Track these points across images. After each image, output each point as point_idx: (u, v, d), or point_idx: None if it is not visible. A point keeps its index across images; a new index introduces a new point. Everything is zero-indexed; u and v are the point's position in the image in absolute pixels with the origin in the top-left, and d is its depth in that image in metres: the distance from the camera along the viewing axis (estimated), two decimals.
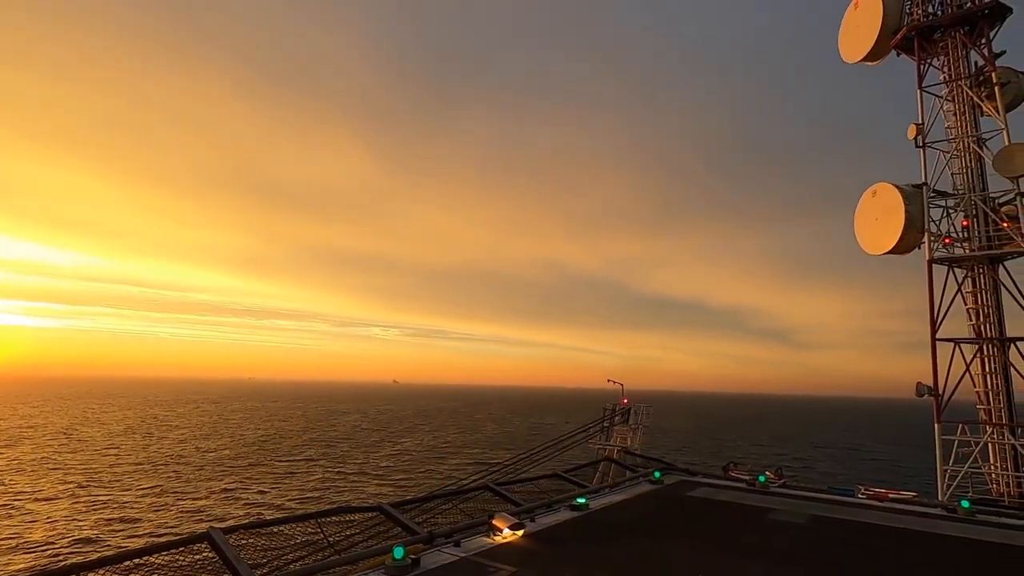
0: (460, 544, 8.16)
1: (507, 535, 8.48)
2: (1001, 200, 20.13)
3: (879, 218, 21.67)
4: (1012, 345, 20.05)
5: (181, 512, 36.65)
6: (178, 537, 7.10)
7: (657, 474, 13.77)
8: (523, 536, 8.64)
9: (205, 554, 6.81)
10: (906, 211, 20.83)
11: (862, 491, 13.12)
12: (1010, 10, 19.86)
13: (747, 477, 14.11)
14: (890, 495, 12.47)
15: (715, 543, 8.74)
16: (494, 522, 8.60)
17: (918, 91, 21.60)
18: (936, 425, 20.50)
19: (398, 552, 6.94)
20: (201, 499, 40.57)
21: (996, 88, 19.93)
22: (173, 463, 55.76)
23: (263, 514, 36.44)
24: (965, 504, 11.19)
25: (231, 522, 21.65)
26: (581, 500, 10.65)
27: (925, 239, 20.99)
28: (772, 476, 14.07)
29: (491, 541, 8.37)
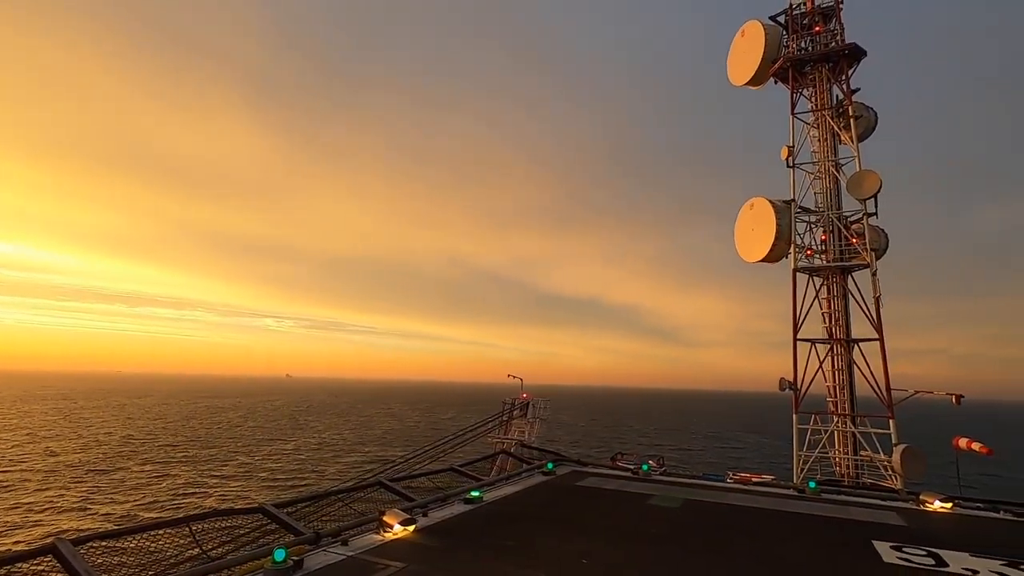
0: (348, 543, 7.92)
1: (398, 531, 8.36)
2: (852, 219, 22.98)
3: (755, 229, 23.90)
4: (856, 345, 23.00)
5: (20, 525, 32.28)
6: (15, 552, 6.19)
7: (550, 465, 14.25)
8: (415, 531, 8.57)
9: (49, 569, 6.02)
10: (777, 224, 23.14)
11: (730, 476, 14.46)
12: (864, 53, 22.70)
13: (632, 466, 15.02)
14: (753, 479, 13.88)
15: (599, 529, 9.22)
16: (385, 519, 8.44)
17: (791, 117, 24.05)
18: (794, 415, 23.04)
19: (279, 554, 6.59)
20: (47, 510, 35.96)
21: (852, 120, 22.70)
22: (13, 469, 48.91)
23: (122, 523, 33.05)
24: (812, 485, 12.71)
25: (82, 531, 19.37)
26: (475, 493, 10.76)
27: (791, 250, 23.44)
28: (654, 465, 15.10)
29: (381, 538, 8.21)
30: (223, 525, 8.24)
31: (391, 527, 8.34)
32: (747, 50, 25.21)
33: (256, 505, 8.70)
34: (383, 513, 8.59)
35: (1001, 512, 11.31)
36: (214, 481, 46.07)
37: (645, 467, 14.34)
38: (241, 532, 8.95)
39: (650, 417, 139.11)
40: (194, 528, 7.67)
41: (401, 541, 8.15)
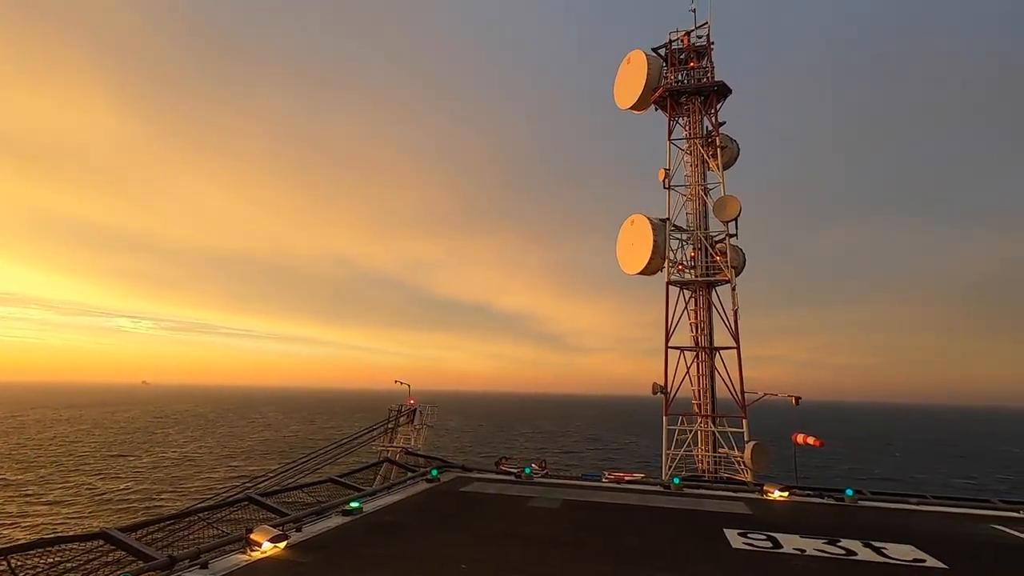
0: (208, 566, 7.28)
1: (267, 549, 7.84)
2: (717, 238, 25.44)
3: (634, 244, 25.60)
4: (717, 353, 25.42)
5: None
6: None
7: (435, 472, 14.16)
8: (287, 548, 8.09)
9: None
10: (654, 240, 24.96)
11: (606, 476, 15.33)
12: (730, 91, 25.34)
13: (515, 470, 15.38)
14: (626, 478, 14.84)
15: (480, 532, 9.34)
16: (252, 536, 7.87)
17: (668, 142, 26.15)
18: (664, 417, 24.91)
19: None
20: None
21: (718, 149, 25.18)
22: None
23: None
24: (676, 480, 13.87)
25: None
26: (355, 504, 10.39)
27: (666, 265, 25.40)
28: (537, 468, 15.59)
29: (248, 558, 7.65)
30: (54, 558, 7.18)
31: (259, 545, 7.80)
32: (631, 77, 27.05)
33: (97, 530, 7.71)
34: (251, 530, 8.01)
35: (825, 497, 13.13)
36: (40, 508, 39.78)
37: (528, 470, 14.75)
38: (79, 563, 7.87)
39: (537, 421, 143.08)
40: (13, 562, 6.61)
41: (270, 560, 7.65)
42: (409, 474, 14.63)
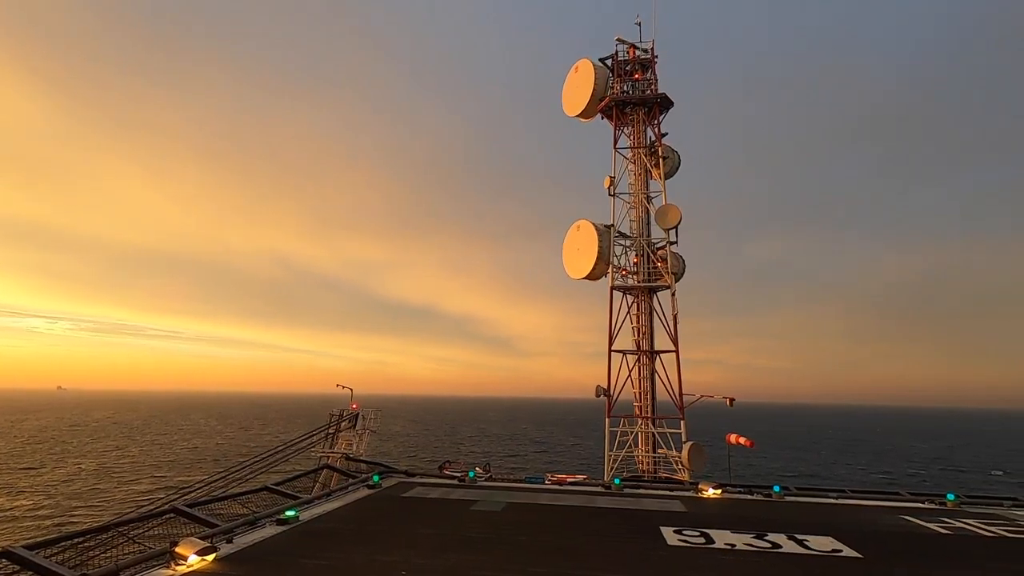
0: None
1: (194, 563, 7.44)
2: (658, 245, 26.28)
3: (580, 249, 26.07)
4: (658, 356, 26.22)
5: None
6: None
7: (376, 478, 13.89)
8: (215, 561, 7.71)
9: None
10: (599, 246, 25.49)
11: (549, 478, 15.49)
12: (672, 104, 26.29)
13: (459, 474, 15.30)
14: (568, 479, 15.05)
15: (420, 538, 9.22)
16: (177, 550, 7.45)
17: (613, 150, 26.81)
18: (607, 419, 25.44)
19: None
20: None
21: (660, 159, 26.05)
22: None
23: None
24: (617, 481, 14.20)
25: None
26: (290, 513, 10.03)
27: (610, 270, 25.99)
28: (481, 471, 15.57)
29: (172, 572, 7.24)
30: None
31: (185, 559, 7.40)
32: (579, 85, 27.59)
33: None
34: (176, 544, 7.58)
35: (755, 494, 13.79)
36: None
37: (471, 474, 14.70)
38: None
39: (483, 425, 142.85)
40: None
41: (197, 574, 7.27)
42: (350, 481, 14.27)
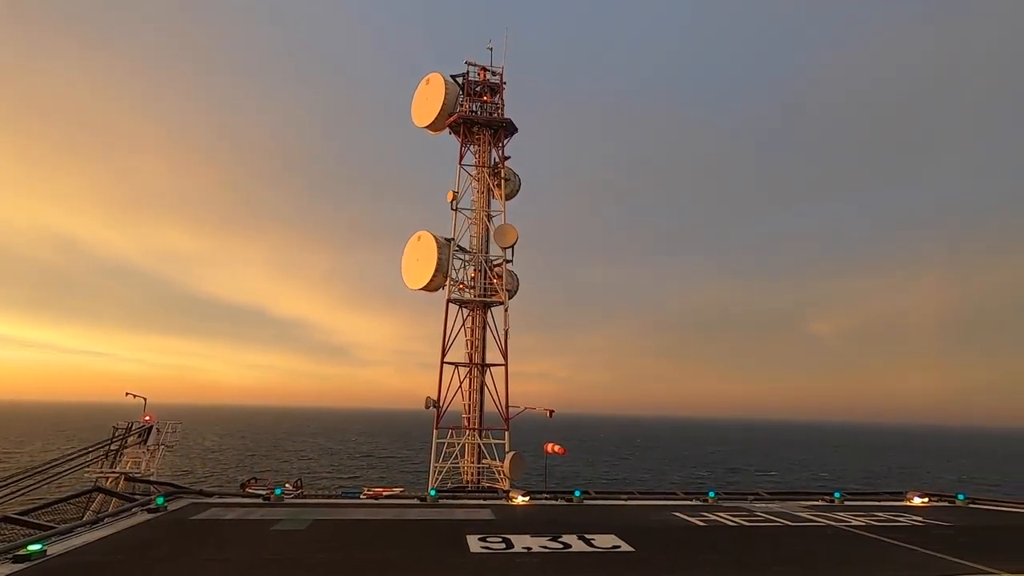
0: None
1: None
2: (495, 262, 27.35)
3: (419, 259, 26.09)
4: (488, 369, 27.13)
5: None
6: None
7: (160, 500, 12.26)
8: None
9: None
10: (438, 258, 25.74)
11: (365, 491, 15.09)
12: (517, 129, 27.77)
13: (264, 491, 14.19)
14: (384, 493, 14.81)
15: (205, 565, 8.37)
16: None
17: (458, 166, 27.41)
18: (435, 431, 25.57)
19: None
20: None
21: (502, 180, 27.27)
22: None
23: None
24: (432, 493, 14.35)
25: None
26: (34, 547, 8.38)
27: (447, 283, 26.36)
28: (290, 487, 14.62)
29: None
30: None
31: None
32: (429, 98, 27.82)
33: None
34: None
35: (559, 499, 14.94)
36: None
37: (279, 491, 13.73)
38: None
39: (309, 438, 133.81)
40: None
41: None
42: (129, 505, 12.40)
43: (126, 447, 22.16)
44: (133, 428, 22.62)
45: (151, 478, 19.46)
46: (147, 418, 23.59)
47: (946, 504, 15.74)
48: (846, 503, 15.37)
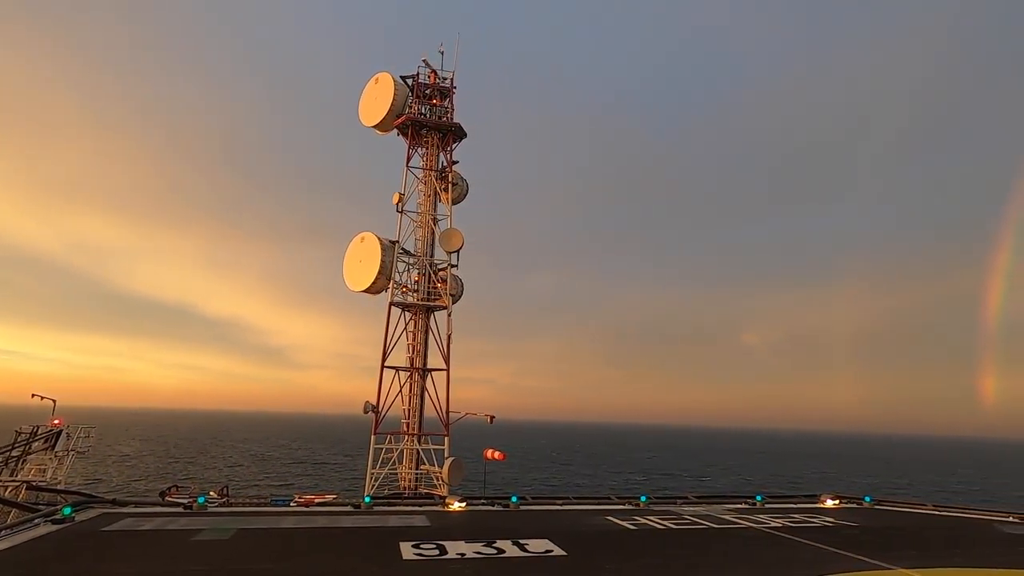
0: None
1: None
2: (440, 266, 27.18)
3: (362, 261, 25.58)
4: (429, 374, 26.87)
5: None
6: None
7: (67, 510, 11.38)
8: None
9: None
10: (382, 260, 25.31)
11: (296, 499, 14.59)
12: (466, 135, 27.77)
13: (186, 500, 13.47)
14: (316, 500, 14.37)
15: None
16: None
17: (405, 168, 27.11)
18: (373, 436, 25.04)
19: None
20: None
21: (450, 185, 27.18)
22: None
23: None
24: (367, 499, 14.05)
25: None
26: None
27: (391, 285, 25.96)
28: (215, 495, 13.93)
29: None
30: None
31: None
32: (377, 97, 27.40)
33: None
34: None
35: (495, 505, 14.98)
36: None
37: (202, 499, 13.06)
38: None
39: (243, 443, 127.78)
40: None
41: None
42: (30, 516, 11.45)
43: (30, 453, 20.49)
44: (39, 432, 20.94)
45: (58, 486, 18.05)
46: (56, 422, 21.90)
47: (854, 506, 16.94)
48: (766, 506, 16.26)
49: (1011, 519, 14.75)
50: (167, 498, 13.71)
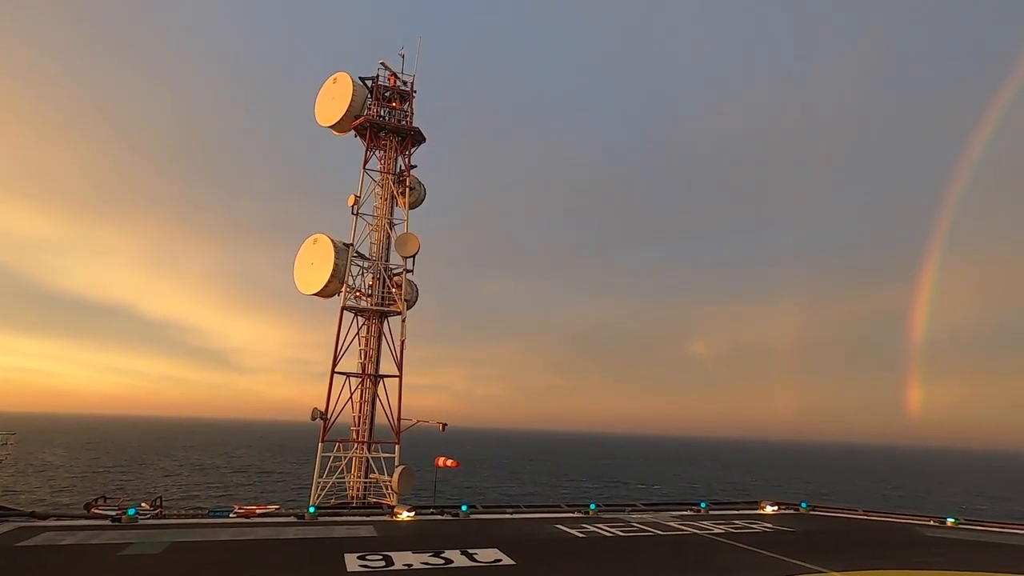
0: None
1: None
2: (395, 271, 26.80)
3: (314, 263, 24.94)
4: (382, 380, 26.37)
5: None
6: None
7: None
8: None
9: None
10: (335, 263, 24.74)
11: (236, 510, 13.96)
12: (424, 139, 27.59)
13: (114, 512, 12.67)
14: (258, 511, 13.80)
15: None
16: None
17: (362, 170, 26.66)
18: (320, 444, 24.32)
19: None
20: None
21: (407, 189, 26.89)
22: None
23: None
24: (312, 510, 13.63)
25: None
26: None
27: (344, 289, 25.38)
28: (146, 507, 13.17)
29: None
30: None
31: None
32: (335, 97, 26.88)
33: None
34: None
35: (445, 514, 14.79)
36: None
37: (132, 511, 12.32)
38: None
39: (181, 451, 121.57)
40: None
41: None
42: None
43: None
44: None
45: None
46: None
47: (792, 512, 17.68)
48: (710, 512, 16.76)
49: (931, 523, 15.76)
50: (92, 510, 12.83)
